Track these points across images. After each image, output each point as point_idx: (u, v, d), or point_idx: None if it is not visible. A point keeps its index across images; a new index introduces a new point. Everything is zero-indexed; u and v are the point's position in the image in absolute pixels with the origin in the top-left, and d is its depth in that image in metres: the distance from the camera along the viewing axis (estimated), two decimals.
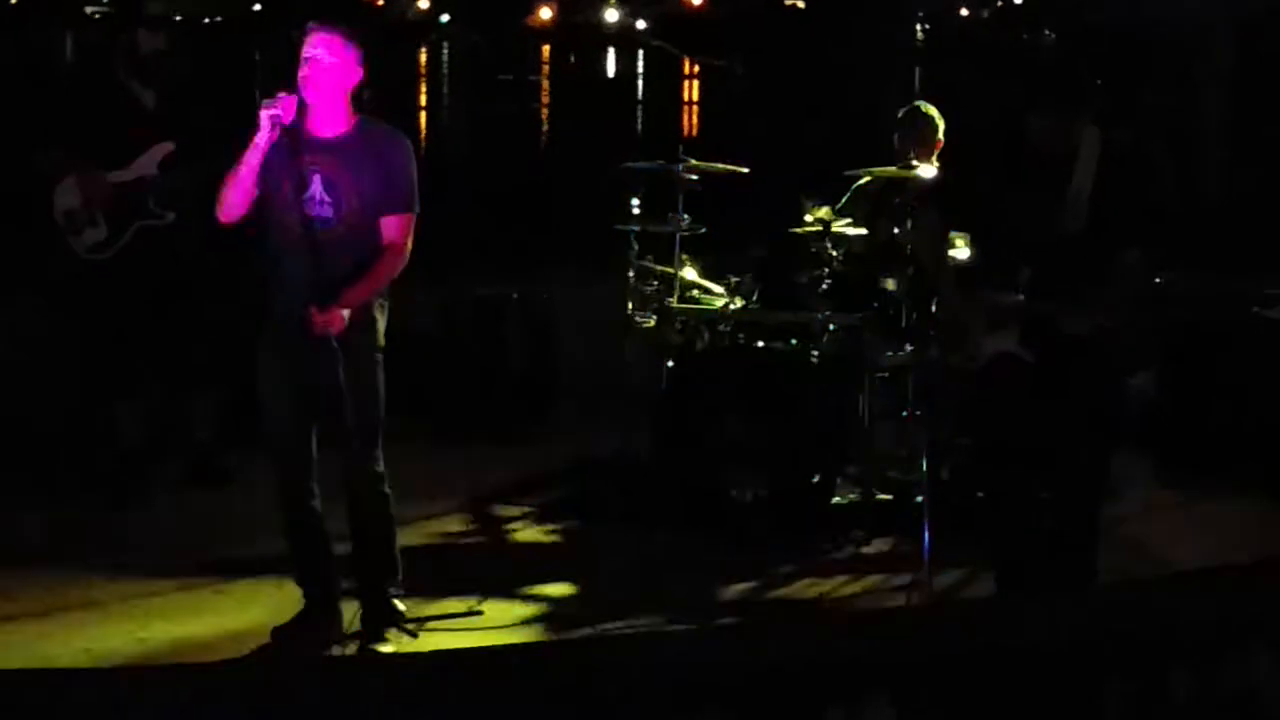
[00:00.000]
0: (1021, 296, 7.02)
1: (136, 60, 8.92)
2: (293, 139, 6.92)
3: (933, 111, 9.67)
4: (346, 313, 6.93)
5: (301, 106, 6.96)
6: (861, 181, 9.61)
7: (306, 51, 6.95)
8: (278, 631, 7.21)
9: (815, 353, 9.04)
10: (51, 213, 8.89)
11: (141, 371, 9.25)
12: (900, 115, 9.78)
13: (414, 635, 7.24)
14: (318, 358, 6.94)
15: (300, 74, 6.94)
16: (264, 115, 6.87)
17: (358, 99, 7.09)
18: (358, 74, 7.02)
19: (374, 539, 7.28)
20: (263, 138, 6.90)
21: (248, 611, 7.54)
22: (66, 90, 9.26)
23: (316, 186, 6.96)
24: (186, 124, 8.78)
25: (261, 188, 7.01)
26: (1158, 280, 7.07)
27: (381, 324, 7.18)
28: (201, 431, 9.37)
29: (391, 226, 7.07)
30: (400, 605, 7.31)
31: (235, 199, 7.02)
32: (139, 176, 8.84)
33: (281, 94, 6.88)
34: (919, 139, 9.51)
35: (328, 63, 6.94)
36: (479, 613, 7.58)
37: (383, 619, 7.23)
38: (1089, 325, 6.89)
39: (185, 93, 8.99)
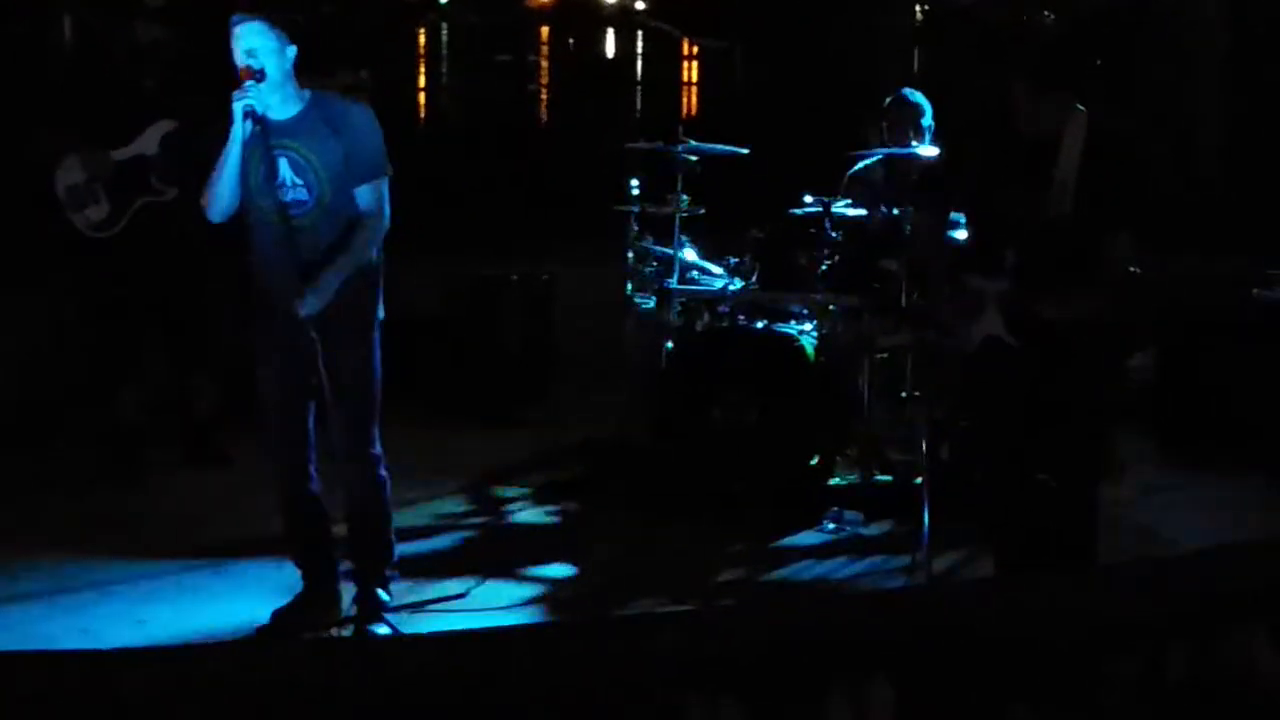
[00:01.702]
0: (1006, 281, 7.01)
1: (134, 48, 8.93)
2: (263, 127, 6.91)
3: (919, 98, 9.67)
4: (335, 283, 6.90)
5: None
6: (854, 169, 9.60)
7: (243, 45, 6.87)
8: (277, 614, 7.22)
9: (814, 334, 9.05)
10: (53, 191, 8.89)
11: (143, 351, 9.26)
12: (886, 103, 9.77)
13: (394, 628, 7.21)
14: (310, 341, 6.93)
15: (242, 70, 6.85)
16: (237, 107, 6.84)
17: (300, 73, 7.05)
18: (293, 50, 6.96)
19: (369, 521, 7.28)
20: (235, 131, 6.87)
21: (247, 593, 7.55)
22: (66, 74, 9.28)
23: (285, 171, 6.92)
24: (185, 108, 8.78)
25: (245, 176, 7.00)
26: (1137, 268, 7.03)
27: (375, 302, 7.17)
28: (200, 412, 9.37)
29: (365, 194, 7.03)
30: (386, 595, 7.31)
31: (223, 196, 6.97)
32: (140, 154, 8.85)
33: (249, 82, 6.83)
34: (906, 126, 9.51)
35: (265, 51, 6.87)
36: (462, 595, 7.58)
37: (377, 603, 7.23)
38: (1068, 312, 6.87)
39: (183, 78, 8.98)
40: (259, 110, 6.83)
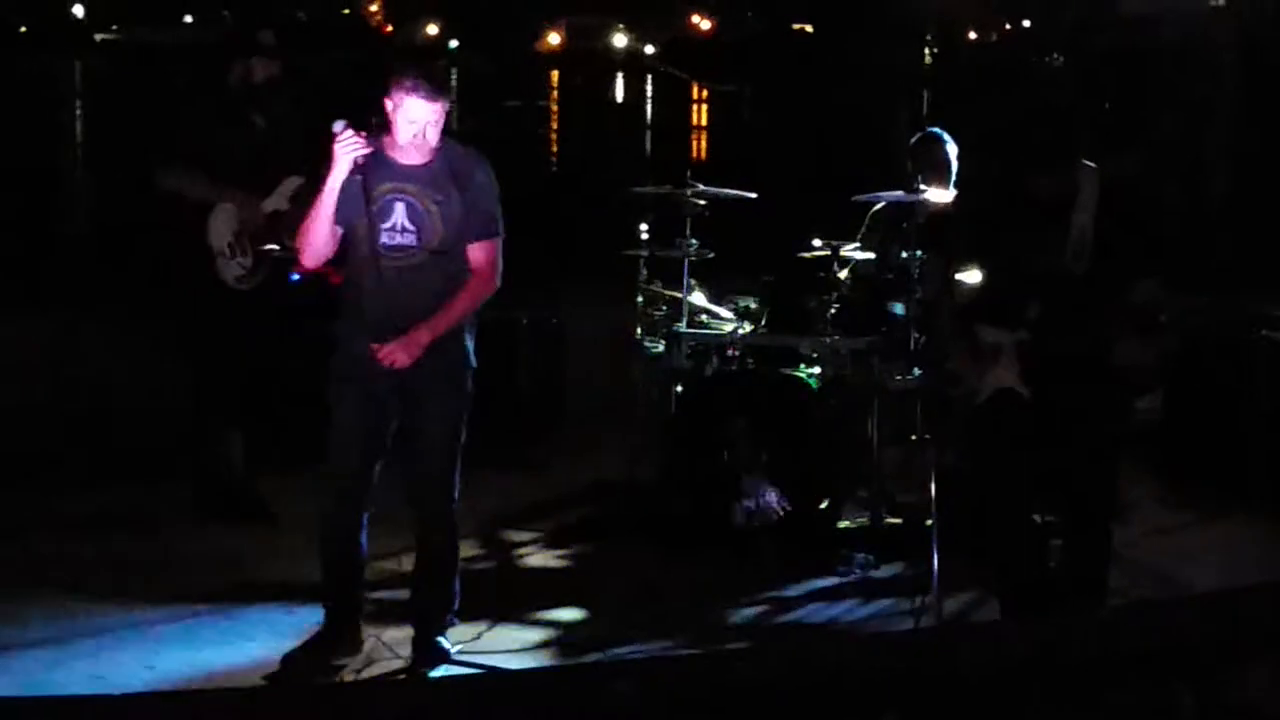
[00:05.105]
0: (1025, 332, 7.04)
1: (251, 86, 8.98)
2: (365, 169, 6.96)
3: (945, 138, 9.69)
4: (426, 342, 6.99)
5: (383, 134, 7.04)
6: (876, 208, 9.63)
7: (429, 117, 6.96)
8: (301, 649, 7.20)
9: (824, 377, 9.06)
10: (205, 238, 8.89)
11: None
12: (913, 142, 9.80)
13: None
14: (393, 392, 7.02)
15: (416, 138, 6.97)
16: (339, 153, 6.91)
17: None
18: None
19: (440, 570, 7.33)
20: (338, 178, 6.95)
21: (257, 639, 7.55)
22: (193, 116, 9.29)
23: (400, 215, 7.01)
24: (295, 151, 8.76)
25: (341, 221, 7.06)
26: (1164, 314, 7.06)
27: (466, 352, 7.25)
28: (236, 463, 9.28)
29: (477, 253, 7.11)
30: (446, 644, 7.34)
31: (319, 241, 7.08)
32: (275, 210, 8.88)
33: (348, 128, 6.90)
34: (931, 165, 9.52)
35: (436, 126, 6.99)
36: (473, 639, 7.58)
37: (438, 650, 7.27)
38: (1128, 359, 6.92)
39: (291, 119, 9.02)
40: (360, 156, 6.92)
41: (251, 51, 9.01)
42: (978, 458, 7.62)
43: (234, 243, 8.87)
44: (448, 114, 7.08)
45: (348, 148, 6.91)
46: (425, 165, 7.06)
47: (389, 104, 6.99)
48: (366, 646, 7.33)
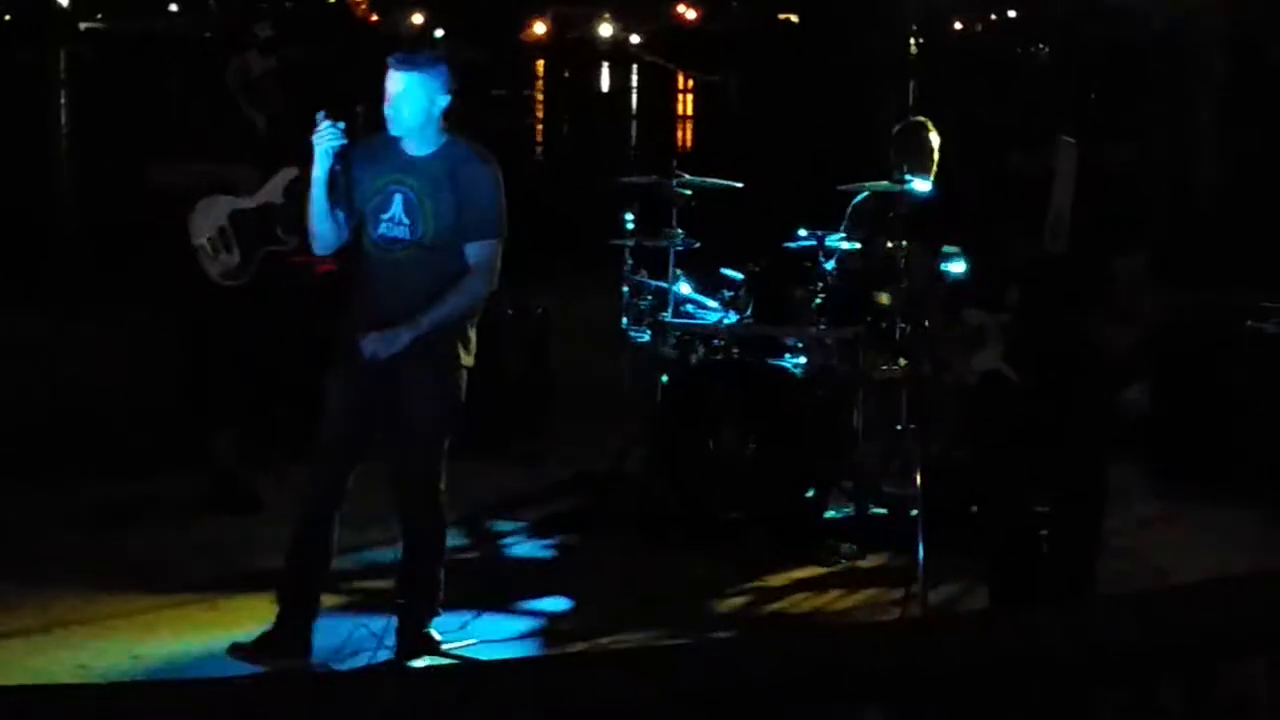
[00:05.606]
0: (1007, 315, 7.04)
1: (248, 82, 8.94)
2: (373, 158, 7.00)
3: (929, 127, 9.68)
4: (407, 338, 6.95)
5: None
6: (859, 198, 9.63)
7: (387, 86, 6.99)
8: (240, 646, 7.17)
9: (809, 367, 9.05)
10: (186, 233, 8.85)
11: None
12: (895, 131, 9.79)
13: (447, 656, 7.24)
14: (378, 379, 7.00)
15: (388, 112, 6.99)
16: (315, 144, 6.91)
17: (449, 118, 7.12)
18: (444, 99, 7.04)
19: (424, 558, 7.30)
20: (320, 169, 6.95)
21: (240, 628, 7.52)
22: (187, 109, 9.23)
23: (397, 207, 6.99)
24: (291, 143, 8.72)
25: (343, 210, 7.05)
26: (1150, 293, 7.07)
27: (455, 348, 7.16)
28: (226, 456, 9.25)
29: (474, 252, 7.07)
30: (433, 634, 7.30)
31: (320, 232, 7.10)
32: (267, 202, 8.83)
33: (325, 121, 6.90)
34: (914, 155, 9.51)
35: (407, 99, 6.97)
36: (459, 629, 7.56)
37: (420, 641, 7.24)
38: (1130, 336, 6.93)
39: (288, 112, 8.99)
40: (338, 146, 6.93)
41: (248, 44, 8.98)
42: (972, 445, 7.63)
43: (217, 238, 8.82)
44: (453, 107, 7.08)
45: (323, 139, 6.90)
46: (429, 157, 7.05)
47: None
48: (351, 636, 7.30)
